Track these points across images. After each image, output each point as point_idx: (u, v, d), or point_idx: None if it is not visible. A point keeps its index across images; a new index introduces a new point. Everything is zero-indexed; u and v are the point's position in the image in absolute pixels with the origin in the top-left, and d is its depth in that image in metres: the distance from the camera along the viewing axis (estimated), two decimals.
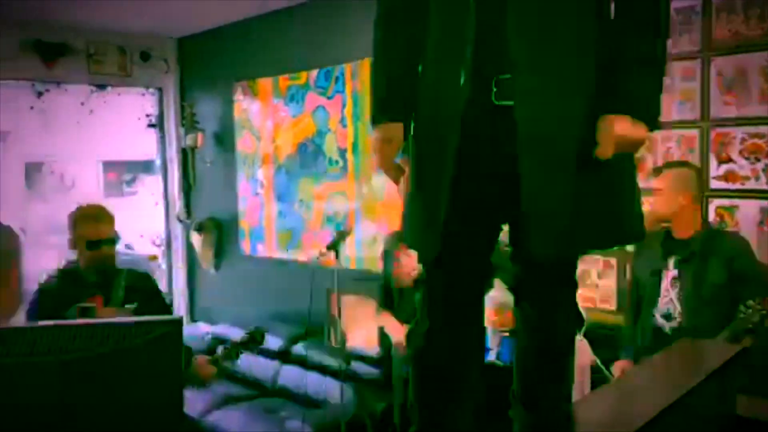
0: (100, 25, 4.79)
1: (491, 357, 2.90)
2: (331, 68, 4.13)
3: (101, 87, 5.18)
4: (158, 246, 5.95)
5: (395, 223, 3.73)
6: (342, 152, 4.12)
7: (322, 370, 3.83)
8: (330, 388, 3.68)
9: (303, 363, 3.96)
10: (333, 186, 4.20)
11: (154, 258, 6.37)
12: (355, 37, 3.99)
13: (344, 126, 4.09)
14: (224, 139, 5.08)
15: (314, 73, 4.25)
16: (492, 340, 3.00)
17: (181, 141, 5.23)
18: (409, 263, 2.89)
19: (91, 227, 2.34)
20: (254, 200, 4.84)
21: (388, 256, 3.10)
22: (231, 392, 4.00)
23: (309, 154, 4.35)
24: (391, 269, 3.05)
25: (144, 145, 6.33)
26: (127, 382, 0.73)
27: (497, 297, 3.16)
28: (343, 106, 4.08)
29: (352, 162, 4.07)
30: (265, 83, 4.64)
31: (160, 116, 5.54)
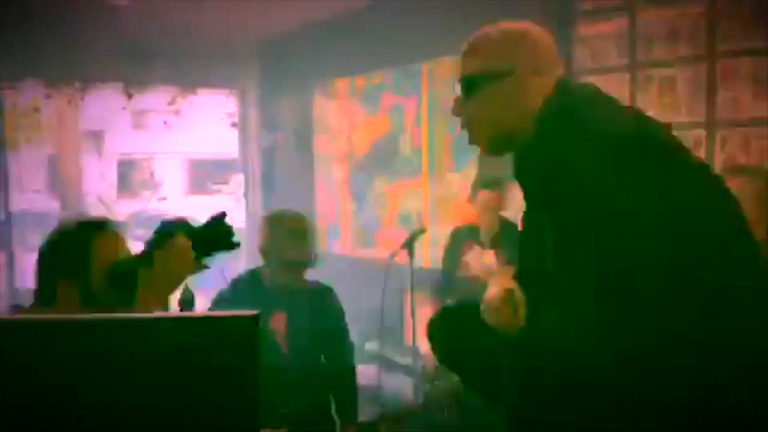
0: (186, 29, 4.98)
1: None
2: (407, 67, 4.13)
3: (187, 88, 5.39)
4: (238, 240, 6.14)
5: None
6: (416, 151, 4.12)
7: (396, 368, 3.84)
8: (404, 388, 3.68)
9: (377, 361, 3.98)
10: (407, 184, 4.21)
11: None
12: (431, 36, 3.97)
13: (419, 125, 4.09)
14: (302, 138, 5.17)
15: (390, 72, 4.27)
16: None
17: (262, 140, 5.37)
18: (475, 257, 2.90)
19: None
20: (330, 198, 4.91)
21: (456, 247, 3.12)
22: None
23: (384, 153, 4.37)
24: (457, 259, 3.06)
25: (226, 145, 6.56)
26: (199, 379, 0.75)
27: None
28: (419, 104, 4.08)
29: (427, 160, 4.06)
30: (341, 83, 4.70)
31: (242, 116, 5.71)
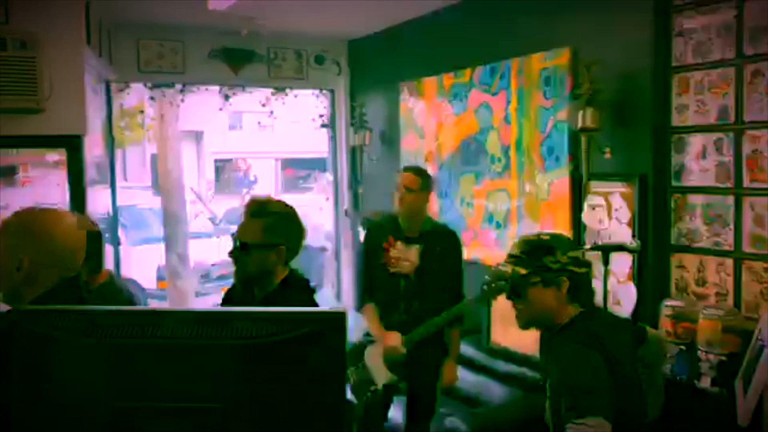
0: (280, 31, 5.14)
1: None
2: (496, 65, 4.08)
3: (279, 89, 5.56)
4: (328, 239, 6.29)
5: (560, 224, 3.60)
6: (505, 149, 4.06)
7: (480, 369, 3.81)
8: (488, 389, 3.65)
9: (462, 361, 3.96)
10: (495, 184, 4.16)
11: (324, 250, 6.74)
12: (520, 32, 3.91)
13: (508, 123, 4.02)
14: (390, 137, 5.22)
15: (478, 70, 4.23)
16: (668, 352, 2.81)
17: (351, 139, 5.46)
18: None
19: None
20: None
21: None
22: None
23: (471, 152, 4.34)
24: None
25: (317, 144, 6.71)
26: (289, 372, 0.78)
27: (675, 306, 2.95)
28: (508, 102, 4.01)
29: (515, 159, 3.99)
30: (429, 82, 4.70)
31: (332, 116, 5.82)
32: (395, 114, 5.11)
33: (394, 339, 2.95)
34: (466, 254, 4.42)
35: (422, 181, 3.09)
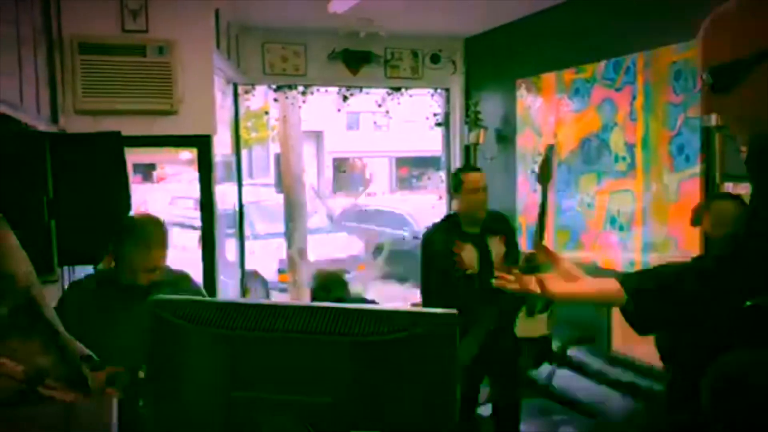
0: (397, 32, 5.20)
1: None
2: (621, 59, 3.89)
3: (395, 89, 5.62)
4: None
5: (689, 227, 3.38)
6: (630, 147, 3.86)
7: (599, 377, 3.66)
8: (606, 399, 3.49)
9: (579, 368, 3.83)
10: (618, 183, 3.97)
11: None
12: (647, 24, 3.70)
13: (633, 120, 3.83)
14: (506, 135, 5.13)
15: (601, 65, 4.06)
16: None
17: (465, 138, 5.42)
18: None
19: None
20: (533, 197, 4.80)
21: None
22: None
23: (592, 150, 4.17)
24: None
25: (431, 143, 6.73)
26: (400, 370, 0.78)
27: None
28: (633, 98, 3.82)
29: (641, 158, 3.79)
30: (548, 78, 4.57)
31: (447, 115, 5.81)
32: (511, 111, 5.02)
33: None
34: (584, 256, 4.26)
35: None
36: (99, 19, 3.58)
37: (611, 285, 1.28)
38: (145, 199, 10.62)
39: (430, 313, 0.79)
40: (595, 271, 3.91)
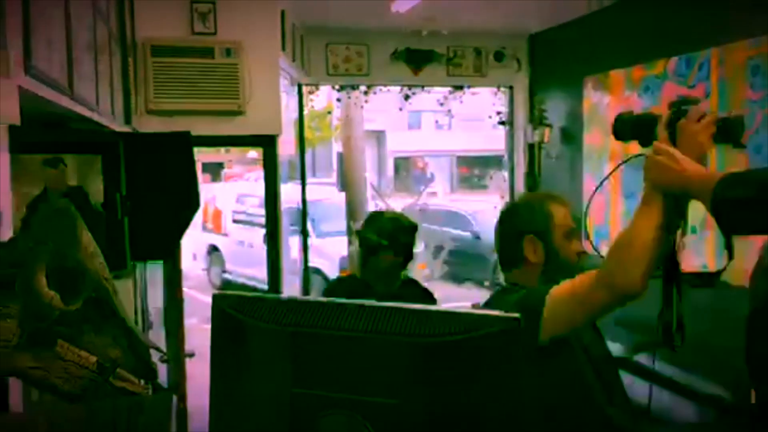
0: (459, 30, 5.16)
1: None
2: (693, 55, 3.74)
3: (457, 88, 5.58)
4: None
5: None
6: None
7: (671, 386, 3.52)
8: (680, 409, 3.37)
9: (646, 374, 3.69)
10: None
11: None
12: (721, 18, 3.54)
13: None
14: (571, 134, 5.02)
15: (673, 61, 3.91)
16: None
17: (528, 137, 5.34)
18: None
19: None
20: (599, 197, 4.68)
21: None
22: None
23: None
24: None
25: (494, 142, 6.66)
26: (464, 373, 0.77)
27: None
28: (707, 95, 3.66)
29: (716, 158, 3.63)
30: (616, 75, 4.44)
31: (510, 113, 5.73)
32: (578, 110, 4.90)
33: None
34: None
35: None
36: (170, 23, 3.70)
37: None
38: (213, 195, 10.94)
39: (494, 316, 0.78)
40: None
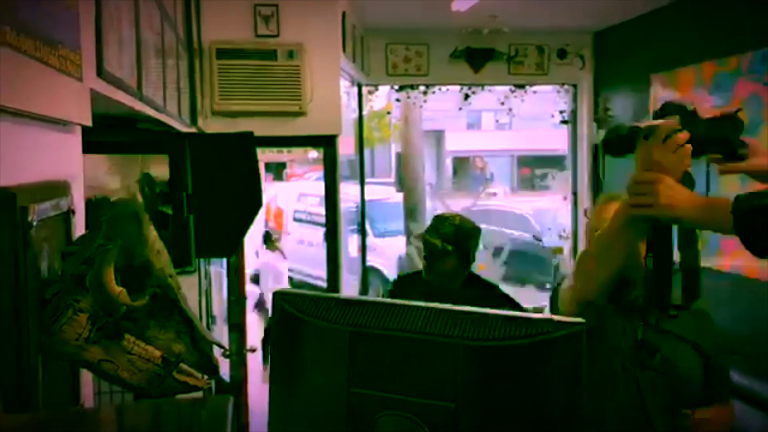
0: (521, 27, 5.08)
1: None
2: None
3: (519, 86, 5.49)
4: (565, 239, 6.08)
5: None
6: None
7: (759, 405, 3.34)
8: (748, 419, 3.20)
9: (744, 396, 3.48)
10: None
11: (559, 251, 6.53)
12: None
13: None
14: None
15: (748, 56, 3.73)
16: None
17: (593, 136, 5.21)
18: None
19: None
20: None
21: None
22: None
23: None
24: None
25: (556, 141, 6.52)
26: (525, 378, 0.76)
27: None
28: None
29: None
30: (685, 72, 4.27)
31: (573, 112, 5.60)
32: (644, 108, 4.75)
33: None
34: (724, 263, 3.94)
35: None
36: (234, 25, 3.78)
37: None
38: (275, 194, 11.14)
39: (558, 321, 0.76)
40: (740, 281, 3.62)
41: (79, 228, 1.39)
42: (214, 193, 2.56)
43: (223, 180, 2.62)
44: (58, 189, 1.28)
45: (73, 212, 1.35)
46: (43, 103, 1.21)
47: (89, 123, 1.50)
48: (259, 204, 2.83)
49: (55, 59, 1.23)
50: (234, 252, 3.08)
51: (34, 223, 1.07)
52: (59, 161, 1.38)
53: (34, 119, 1.19)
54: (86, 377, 1.42)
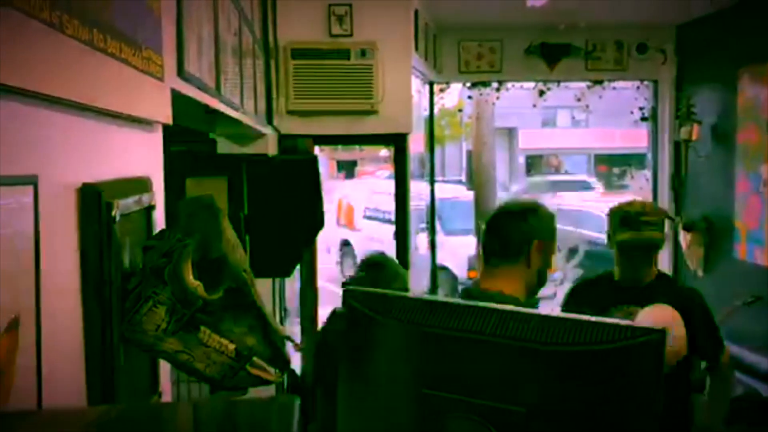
0: (599, 22, 4.93)
1: None
2: None
3: (596, 82, 5.33)
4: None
5: None
6: None
7: None
8: None
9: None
10: None
11: None
12: None
13: None
14: (723, 131, 4.63)
15: None
16: None
17: (675, 134, 5.00)
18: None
19: None
20: (755, 199, 4.28)
21: None
22: None
23: None
24: None
25: (635, 139, 6.29)
26: (599, 385, 0.73)
27: None
28: None
29: None
30: None
31: (654, 109, 5.39)
32: (731, 104, 4.51)
33: None
34: None
35: None
36: (308, 25, 3.84)
37: None
38: (347, 193, 11.27)
39: (637, 328, 0.73)
40: None
41: (159, 222, 1.44)
42: (272, 215, 2.62)
43: (283, 202, 2.67)
44: (140, 185, 1.33)
45: (154, 207, 1.40)
46: (127, 103, 1.26)
47: (170, 122, 1.55)
48: (320, 225, 2.87)
49: (138, 60, 1.27)
50: (290, 272, 3.13)
51: (117, 218, 1.12)
52: (141, 158, 1.43)
53: (118, 118, 1.25)
54: (164, 367, 1.48)
